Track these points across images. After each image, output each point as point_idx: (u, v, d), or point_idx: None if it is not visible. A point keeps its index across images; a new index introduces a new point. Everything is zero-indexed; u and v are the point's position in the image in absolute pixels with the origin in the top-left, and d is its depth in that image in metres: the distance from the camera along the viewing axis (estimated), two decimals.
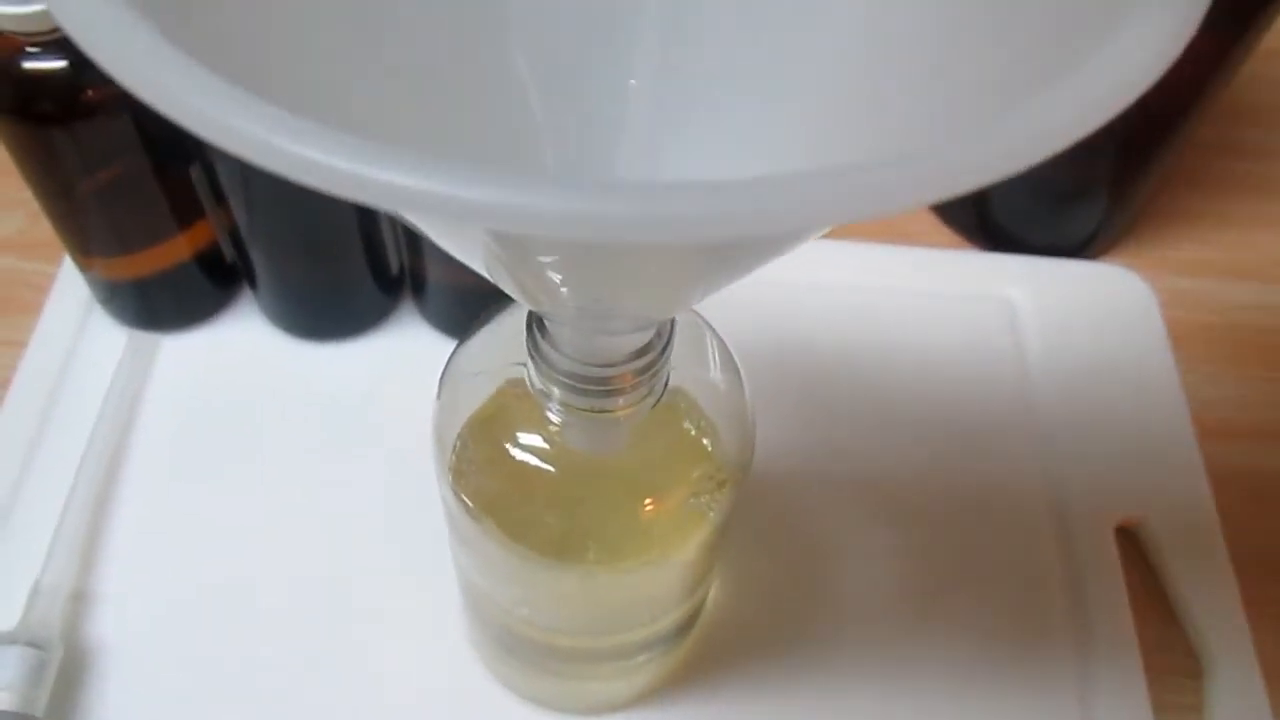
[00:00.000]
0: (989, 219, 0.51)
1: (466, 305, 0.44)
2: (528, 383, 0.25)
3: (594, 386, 0.23)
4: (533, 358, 0.24)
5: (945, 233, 0.52)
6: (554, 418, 0.25)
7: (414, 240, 0.42)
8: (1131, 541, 0.42)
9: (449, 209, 0.10)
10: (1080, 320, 0.48)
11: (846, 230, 0.52)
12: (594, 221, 0.10)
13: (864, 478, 0.43)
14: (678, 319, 0.26)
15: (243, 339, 0.45)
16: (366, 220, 0.41)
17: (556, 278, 0.17)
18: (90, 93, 0.36)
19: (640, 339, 0.23)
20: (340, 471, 0.42)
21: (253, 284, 0.44)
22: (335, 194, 0.12)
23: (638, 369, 0.23)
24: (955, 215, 0.52)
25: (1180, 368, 0.47)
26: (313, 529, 0.40)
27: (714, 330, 0.28)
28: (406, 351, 0.45)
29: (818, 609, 0.40)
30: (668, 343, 0.24)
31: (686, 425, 0.28)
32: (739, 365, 0.29)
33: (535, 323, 0.23)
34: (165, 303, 0.45)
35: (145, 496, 0.41)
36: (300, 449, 0.42)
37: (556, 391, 0.24)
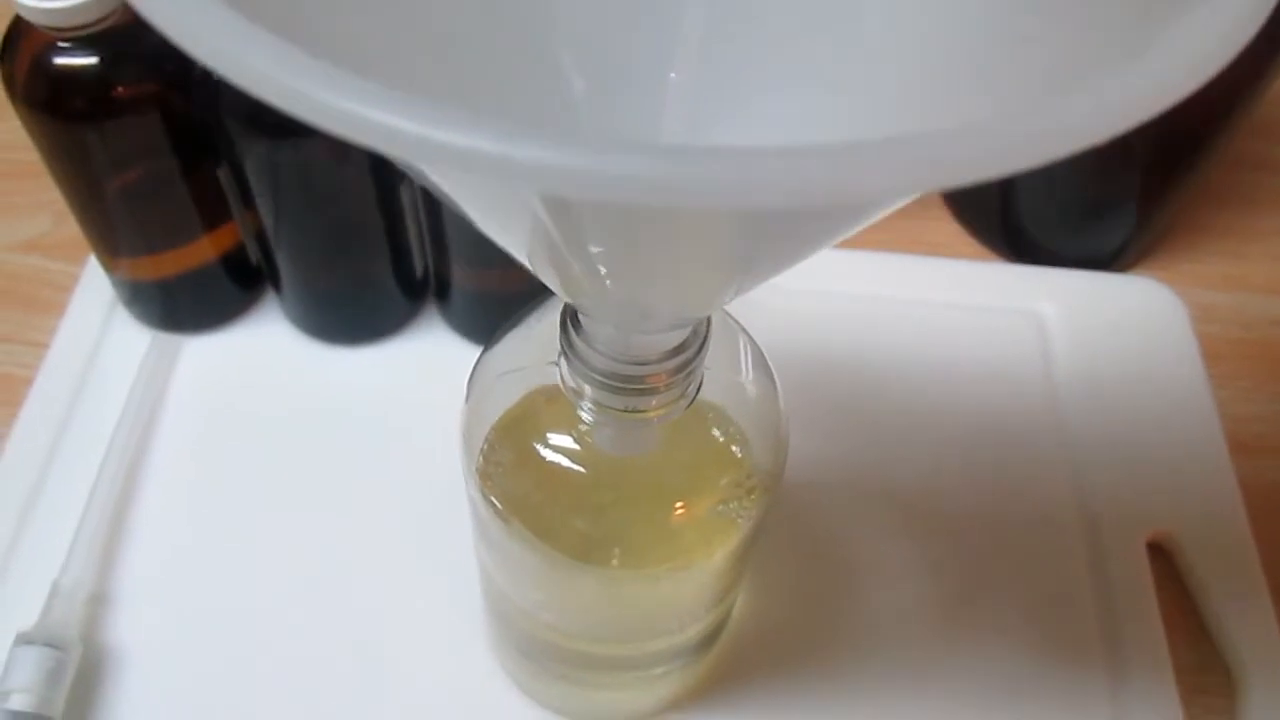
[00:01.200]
0: (1016, 231, 0.51)
1: (490, 310, 0.43)
2: (560, 381, 0.25)
3: (628, 385, 0.23)
4: (565, 355, 0.23)
5: (972, 244, 0.52)
6: (586, 417, 0.24)
7: (439, 243, 0.41)
8: (1164, 558, 0.42)
9: (530, 174, 0.10)
10: (1110, 333, 0.47)
11: (873, 240, 0.52)
12: (689, 186, 0.09)
13: (892, 490, 0.42)
14: (713, 321, 0.25)
15: (266, 342, 0.45)
16: (393, 223, 0.41)
17: (599, 252, 0.16)
18: (120, 89, 0.35)
19: (675, 337, 0.22)
20: (362, 476, 0.41)
21: (277, 287, 0.44)
22: (405, 158, 0.11)
23: (672, 368, 0.23)
24: (982, 227, 0.52)
25: (1212, 382, 0.46)
26: (334, 533, 0.40)
27: (749, 335, 0.28)
28: (430, 356, 0.45)
29: (844, 623, 0.39)
30: (703, 343, 0.23)
31: (717, 432, 0.27)
32: (774, 371, 0.28)
33: (570, 319, 0.23)
34: (189, 304, 0.44)
35: (166, 498, 0.41)
36: (321, 452, 0.42)
37: (589, 390, 0.24)
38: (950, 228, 0.53)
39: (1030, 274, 0.49)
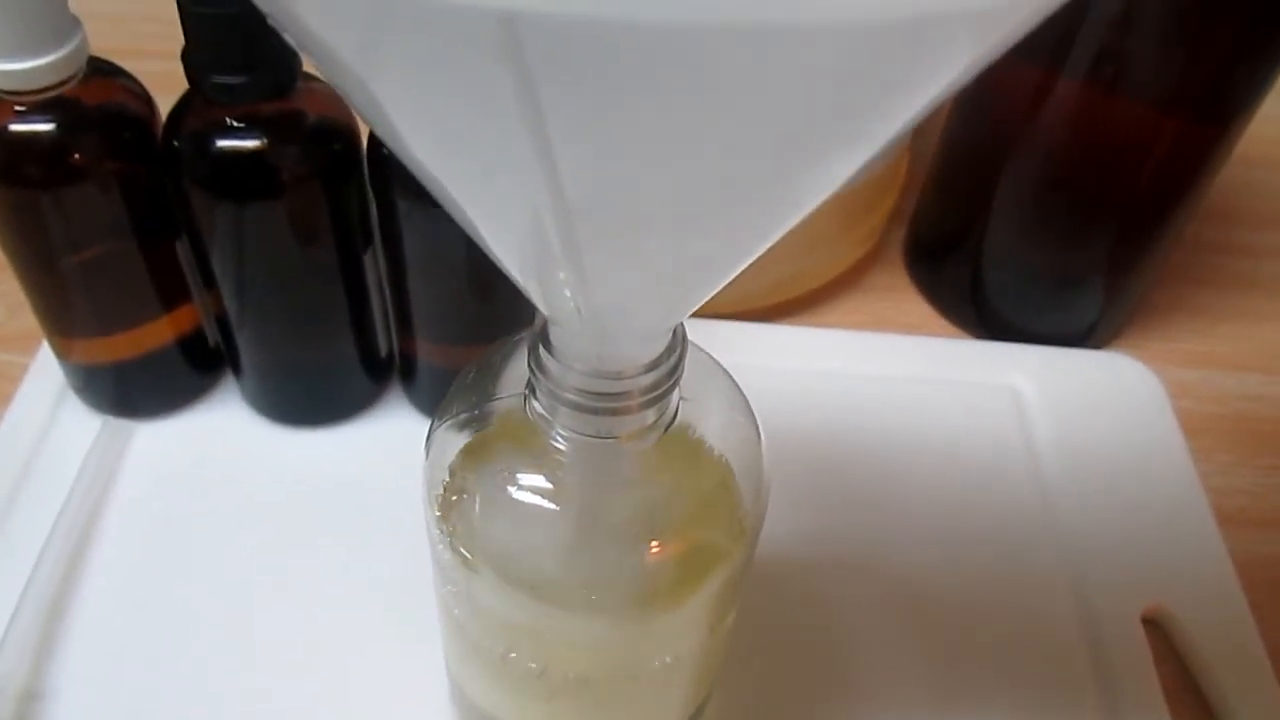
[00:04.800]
0: (987, 310, 0.51)
1: None
2: (528, 413, 0.23)
3: (600, 404, 0.22)
4: (535, 377, 0.22)
5: (944, 324, 0.52)
6: (558, 444, 0.23)
7: (404, 319, 0.40)
8: (1159, 633, 0.40)
9: None
10: (1088, 407, 0.47)
11: (845, 321, 0.51)
12: None
13: (877, 567, 0.41)
14: (696, 362, 0.24)
15: (222, 425, 0.43)
16: (357, 299, 0.40)
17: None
18: (78, 156, 0.35)
19: (650, 350, 0.21)
20: (323, 565, 0.39)
21: (236, 369, 0.43)
22: None
23: (646, 385, 0.22)
24: (953, 307, 0.52)
25: (1193, 456, 0.45)
26: (293, 628, 0.38)
27: (731, 377, 0.27)
28: (394, 437, 0.43)
29: (829, 703, 0.37)
30: (677, 361, 0.22)
31: (701, 462, 0.26)
32: (756, 416, 0.27)
33: (541, 338, 0.22)
34: (143, 388, 0.43)
35: (110, 590, 0.38)
36: (279, 541, 0.40)
37: (560, 415, 0.22)
38: (921, 308, 0.52)
39: (1005, 350, 0.49)
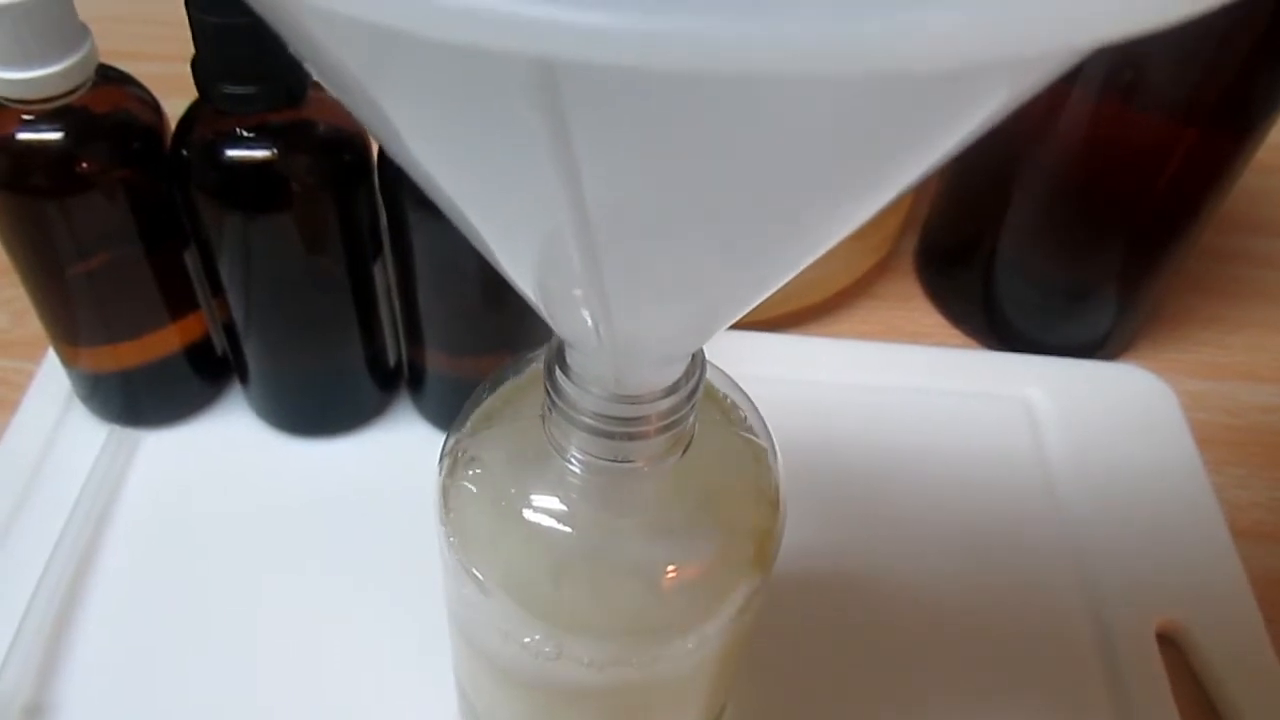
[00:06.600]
0: (998, 320, 0.50)
1: (466, 398, 0.42)
2: (545, 435, 0.23)
3: (618, 429, 0.21)
4: (551, 398, 0.22)
5: (955, 334, 0.51)
6: (574, 468, 0.23)
7: (413, 328, 0.40)
8: (1173, 649, 0.40)
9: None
10: (1101, 420, 0.46)
11: (854, 331, 0.51)
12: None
13: (887, 579, 0.40)
14: (710, 379, 0.24)
15: (229, 434, 0.43)
16: (365, 307, 0.40)
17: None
18: (85, 165, 0.34)
19: (669, 375, 0.21)
20: (331, 577, 0.39)
21: (243, 378, 0.42)
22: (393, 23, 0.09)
23: (664, 410, 0.21)
24: (964, 317, 0.51)
25: (1207, 469, 0.45)
26: (298, 640, 0.37)
27: (746, 394, 0.27)
28: (402, 447, 0.43)
29: (843, 715, 0.36)
30: (696, 385, 0.22)
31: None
32: (771, 433, 0.27)
33: (558, 360, 0.22)
34: (150, 397, 0.43)
35: (117, 602, 0.38)
36: (287, 552, 0.40)
37: (576, 440, 0.22)
38: (933, 318, 0.52)
39: (1016, 361, 0.48)
